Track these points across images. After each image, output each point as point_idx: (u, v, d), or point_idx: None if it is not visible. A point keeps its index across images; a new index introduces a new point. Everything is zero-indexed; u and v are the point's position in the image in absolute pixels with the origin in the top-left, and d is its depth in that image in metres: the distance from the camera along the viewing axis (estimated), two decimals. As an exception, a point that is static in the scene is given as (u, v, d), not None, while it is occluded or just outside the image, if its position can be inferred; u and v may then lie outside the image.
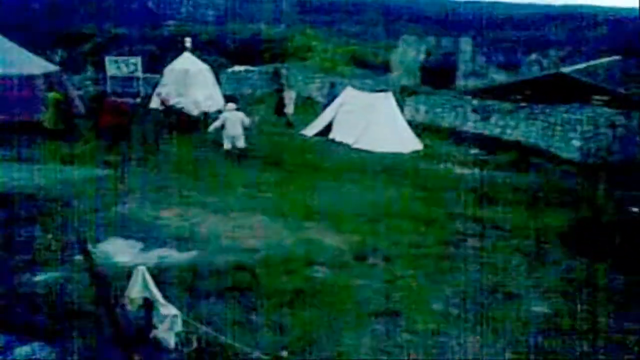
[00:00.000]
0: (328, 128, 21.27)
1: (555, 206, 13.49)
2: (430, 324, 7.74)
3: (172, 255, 9.40)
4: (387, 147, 19.31)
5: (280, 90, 26.80)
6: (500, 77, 30.34)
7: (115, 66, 27.14)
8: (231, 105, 17.77)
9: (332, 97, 22.83)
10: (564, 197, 14.31)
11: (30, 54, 21.12)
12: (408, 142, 20.32)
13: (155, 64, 29.25)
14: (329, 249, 10.13)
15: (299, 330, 7.31)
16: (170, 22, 40.15)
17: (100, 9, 45.04)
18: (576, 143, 19.23)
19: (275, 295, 8.13)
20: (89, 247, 7.86)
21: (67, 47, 35.63)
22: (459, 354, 7.11)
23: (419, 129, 21.94)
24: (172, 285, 8.02)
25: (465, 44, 32.88)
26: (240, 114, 17.27)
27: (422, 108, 24.57)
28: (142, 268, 6.24)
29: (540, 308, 8.41)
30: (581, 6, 59.04)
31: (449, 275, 9.31)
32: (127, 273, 7.21)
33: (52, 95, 18.62)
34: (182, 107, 22.16)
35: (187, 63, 25.84)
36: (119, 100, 21.36)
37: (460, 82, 31.44)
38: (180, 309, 6.66)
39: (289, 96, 24.65)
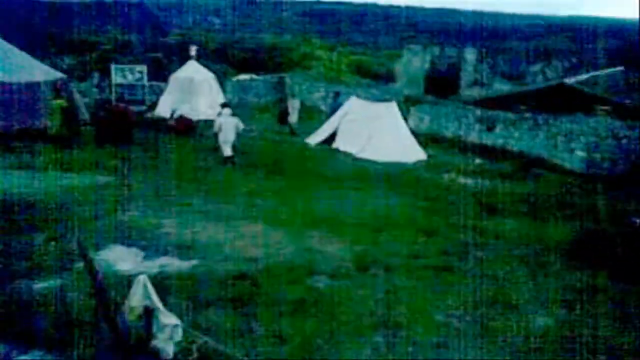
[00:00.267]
0: (332, 137, 21.31)
1: (558, 217, 13.45)
2: (432, 335, 7.71)
3: (174, 264, 9.40)
4: (391, 156, 19.33)
5: (284, 99, 26.88)
6: (504, 87, 30.36)
7: (121, 74, 27.23)
8: (227, 110, 17.89)
9: (336, 106, 22.89)
10: (567, 208, 14.29)
11: (37, 61, 21.22)
12: (412, 152, 20.35)
13: (161, 72, 29.36)
14: (330, 258, 10.12)
15: (300, 341, 7.29)
16: (176, 30, 40.33)
17: (107, 16, 45.27)
18: (580, 154, 19.23)
19: (276, 305, 8.12)
20: (90, 254, 7.86)
21: (73, 54, 35.78)
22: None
23: (423, 138, 21.96)
24: (173, 294, 8.02)
25: (470, 54, 32.94)
26: (235, 120, 17.41)
27: (426, 118, 24.61)
28: (143, 277, 6.25)
29: (542, 320, 8.38)
30: (585, 17, 59.17)
31: (450, 287, 9.28)
32: (128, 281, 7.22)
33: (57, 102, 18.69)
34: (181, 114, 22.40)
35: (192, 71, 25.96)
36: (123, 105, 21.62)
37: (464, 92, 31.48)
38: (180, 317, 6.65)
39: (293, 105, 24.73)
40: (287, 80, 31.38)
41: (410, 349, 7.39)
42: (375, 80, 34.03)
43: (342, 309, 8.25)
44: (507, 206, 14.37)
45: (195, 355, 6.55)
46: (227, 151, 17.08)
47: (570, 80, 23.67)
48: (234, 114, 17.86)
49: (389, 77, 34.97)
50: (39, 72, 20.44)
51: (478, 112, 23.01)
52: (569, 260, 10.64)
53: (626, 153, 18.96)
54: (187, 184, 14.49)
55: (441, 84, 31.15)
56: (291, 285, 8.82)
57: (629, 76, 24.16)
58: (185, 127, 21.45)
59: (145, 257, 9.59)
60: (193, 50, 27.09)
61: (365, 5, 56.48)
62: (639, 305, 9.02)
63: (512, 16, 47.44)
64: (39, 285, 8.29)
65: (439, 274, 9.73)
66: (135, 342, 6.46)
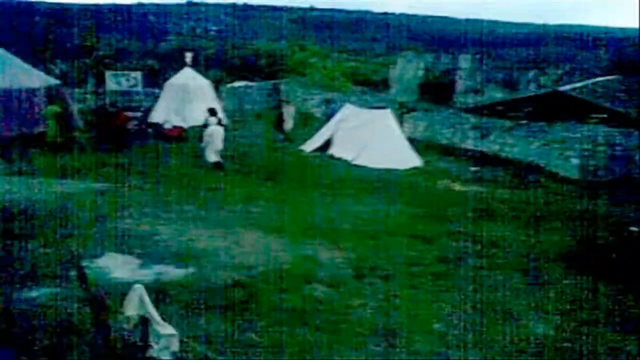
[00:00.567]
0: (327, 144, 21.29)
1: (553, 224, 13.47)
2: (429, 344, 7.69)
3: (170, 272, 9.35)
4: (386, 163, 19.31)
5: (279, 106, 26.85)
6: (499, 94, 30.43)
7: (116, 80, 27.21)
8: (213, 119, 18.55)
9: (331, 113, 22.89)
10: (563, 216, 14.30)
11: (31, 67, 21.16)
12: (407, 159, 20.34)
13: (156, 78, 29.32)
14: (327, 266, 10.09)
15: (297, 349, 7.25)
16: (172, 37, 40.32)
17: (103, 23, 45.25)
18: (575, 161, 19.26)
19: (273, 313, 8.08)
20: (84, 264, 7.81)
21: (68, 60, 35.72)
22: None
23: (418, 145, 21.96)
24: (169, 302, 7.97)
25: (464, 61, 33.03)
26: (221, 129, 18.07)
27: (421, 125, 24.61)
28: (139, 286, 6.20)
29: (540, 327, 8.37)
30: (580, 25, 59.50)
31: (447, 294, 9.26)
32: (124, 290, 7.16)
33: (51, 108, 18.67)
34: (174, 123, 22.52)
35: (188, 78, 25.90)
36: (116, 109, 21.75)
37: (459, 99, 31.54)
38: (176, 326, 6.60)
39: (288, 112, 24.71)
40: (282, 87, 31.37)
41: (407, 357, 7.36)
42: (370, 87, 34.07)
43: (339, 317, 8.22)
44: (503, 213, 14.38)
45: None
46: (214, 157, 17.30)
47: (565, 88, 23.74)
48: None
49: (384, 84, 35.03)
50: (35, 78, 20.38)
51: (473, 119, 23.04)
52: (567, 268, 10.64)
53: (621, 160, 19.01)
54: (182, 190, 14.45)
55: (436, 91, 31.22)
56: (288, 293, 8.78)
57: (624, 84, 24.24)
58: (178, 134, 21.57)
59: (141, 265, 9.54)
60: (188, 57, 27.05)
61: (360, 12, 56.65)
62: (638, 313, 9.02)
63: (507, 24, 47.65)
64: (34, 293, 8.22)
65: (436, 282, 9.72)
66: (131, 352, 6.41)
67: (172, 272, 9.34)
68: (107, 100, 26.45)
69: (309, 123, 26.02)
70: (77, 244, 10.08)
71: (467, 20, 54.47)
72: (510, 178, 18.71)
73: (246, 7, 55.20)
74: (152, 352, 6.34)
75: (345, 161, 19.90)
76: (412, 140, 21.96)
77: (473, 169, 20.16)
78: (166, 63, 33.36)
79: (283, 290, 8.83)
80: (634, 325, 8.57)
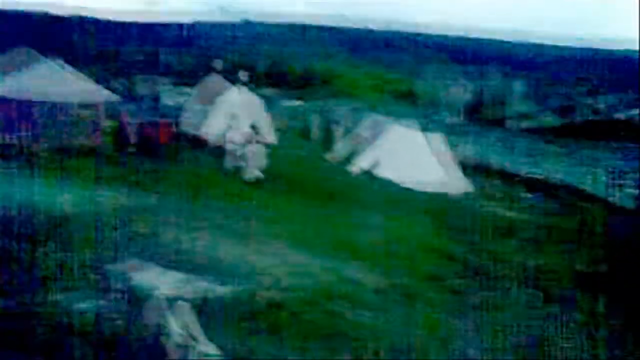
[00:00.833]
0: (374, 164, 21.29)
1: (603, 255, 13.10)
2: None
3: (210, 288, 9.44)
4: (432, 186, 19.18)
5: (327, 125, 27.03)
6: (550, 119, 29.85)
7: (169, 96, 27.92)
8: (254, 135, 18.96)
9: (378, 133, 22.88)
10: (614, 246, 13.89)
11: (92, 83, 21.99)
12: (454, 182, 20.15)
13: (209, 95, 29.87)
14: (369, 289, 10.09)
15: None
16: (226, 55, 41.17)
17: (160, 41, 46.58)
18: (629, 190, 18.73)
19: (313, 335, 8.12)
20: (128, 276, 8.03)
21: (124, 76, 36.90)
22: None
23: (467, 169, 21.73)
24: (209, 319, 8.08)
25: (516, 85, 32.57)
26: (262, 146, 18.24)
27: (471, 148, 24.37)
28: (182, 303, 6.34)
29: (572, 353, 8.18)
30: (630, 50, 57.73)
31: (488, 323, 9.13)
32: (165, 305, 7.29)
33: (108, 122, 19.37)
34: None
35: (240, 95, 26.36)
36: (162, 121, 22.39)
37: (509, 123, 31.06)
38: (215, 344, 6.70)
39: (337, 131, 24.86)
40: (332, 106, 31.56)
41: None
42: (420, 108, 33.92)
43: (377, 340, 8.20)
44: (552, 241, 14.08)
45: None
46: (254, 174, 17.55)
47: (620, 115, 23.16)
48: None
49: (434, 106, 34.82)
50: (93, 93, 21.16)
51: (524, 143, 22.70)
52: (609, 301, 10.33)
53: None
54: (227, 207, 14.63)
55: (485, 114, 30.86)
56: (328, 315, 8.81)
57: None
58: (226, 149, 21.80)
59: (184, 281, 9.68)
60: (242, 75, 27.55)
61: (415, 34, 56.62)
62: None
63: (560, 47, 46.80)
64: (77, 306, 8.40)
65: (474, 310, 9.59)
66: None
67: (214, 289, 9.47)
68: (161, 115, 27.17)
69: (356, 142, 26.06)
70: (124, 256, 10.31)
71: (519, 43, 53.66)
72: (560, 205, 18.29)
73: (302, 27, 55.86)
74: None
75: (392, 182, 19.84)
76: (460, 163, 21.75)
77: (522, 194, 19.82)
78: (220, 80, 33.96)
79: (323, 312, 8.86)
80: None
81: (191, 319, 6.28)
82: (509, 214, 17.20)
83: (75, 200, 13.84)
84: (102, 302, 8.53)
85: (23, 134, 18.91)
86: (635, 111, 23.83)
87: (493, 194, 19.77)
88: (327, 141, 24.50)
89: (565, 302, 10.09)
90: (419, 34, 56.78)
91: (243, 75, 27.79)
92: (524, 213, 17.29)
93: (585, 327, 9.00)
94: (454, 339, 8.54)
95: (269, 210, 14.71)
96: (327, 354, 7.66)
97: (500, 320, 9.33)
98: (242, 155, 18.37)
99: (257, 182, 17.54)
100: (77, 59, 26.29)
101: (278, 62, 41.21)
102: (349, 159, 22.55)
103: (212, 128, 24.98)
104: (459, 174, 20.62)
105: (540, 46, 50.19)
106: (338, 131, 24.77)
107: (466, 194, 19.52)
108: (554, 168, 21.09)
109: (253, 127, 19.87)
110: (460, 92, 33.97)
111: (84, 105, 19.88)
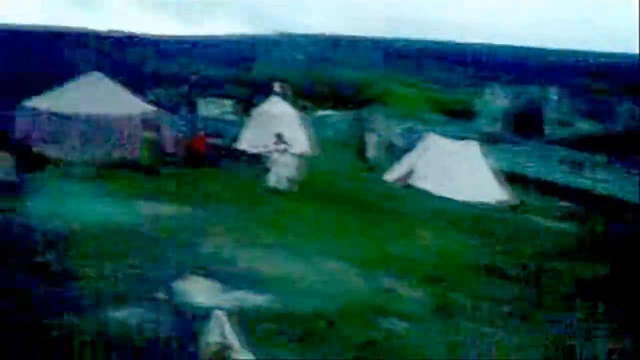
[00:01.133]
0: (409, 173, 21.18)
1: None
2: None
3: (249, 298, 9.51)
4: (469, 195, 18.98)
5: (362, 135, 27.04)
6: (589, 127, 29.28)
7: (208, 107, 28.31)
8: (280, 145, 19.19)
9: (414, 142, 22.79)
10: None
11: (131, 95, 22.43)
12: (492, 192, 19.90)
13: (246, 106, 30.24)
14: (404, 299, 10.00)
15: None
16: (262, 66, 41.65)
17: (197, 53, 47.38)
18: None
19: (350, 346, 8.08)
20: (171, 286, 8.11)
21: (163, 87, 37.58)
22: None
23: (504, 178, 21.43)
24: (248, 329, 8.12)
25: (553, 93, 32.06)
26: (290, 156, 18.47)
27: (508, 157, 24.06)
28: (220, 312, 6.38)
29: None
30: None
31: (528, 335, 8.95)
32: (205, 314, 7.37)
33: (147, 134, 19.69)
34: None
35: (275, 106, 26.60)
36: (201, 135, 22.75)
37: (547, 132, 30.57)
38: (254, 354, 6.72)
39: (371, 141, 24.86)
40: (366, 115, 31.57)
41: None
42: (455, 117, 33.68)
43: (414, 352, 8.12)
44: (595, 252, 13.75)
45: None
46: (281, 183, 17.68)
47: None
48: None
49: (468, 114, 34.51)
50: (133, 105, 21.57)
51: (563, 152, 22.31)
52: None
53: None
54: (261, 216, 14.73)
55: (523, 123, 30.43)
56: (364, 326, 8.76)
57: None
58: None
59: (222, 290, 9.76)
60: (277, 86, 27.82)
61: (444, 42, 56.32)
62: None
63: (597, 54, 45.85)
64: (119, 313, 8.52)
65: (517, 322, 9.41)
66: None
67: (252, 299, 9.52)
68: (199, 127, 27.56)
69: (392, 152, 26.01)
70: (161, 266, 10.45)
71: (553, 50, 52.87)
72: (603, 216, 17.86)
73: (334, 38, 56.17)
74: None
75: (428, 192, 19.70)
76: (497, 173, 21.48)
77: (562, 204, 19.44)
78: (256, 91, 34.39)
79: (360, 323, 8.82)
80: None
81: (228, 328, 6.30)
82: (550, 224, 16.88)
83: (114, 212, 14.09)
84: (141, 310, 8.64)
85: (64, 147, 19.37)
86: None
87: (532, 203, 19.45)
88: (363, 151, 24.50)
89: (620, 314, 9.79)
90: (451, 43, 56.51)
91: (278, 86, 28.10)
92: (563, 222, 16.94)
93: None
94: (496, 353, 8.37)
95: (304, 220, 14.72)
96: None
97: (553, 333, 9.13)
98: (270, 164, 18.47)
99: (284, 191, 17.53)
100: (118, 73, 26.87)
101: (313, 73, 41.47)
102: (385, 168, 22.51)
103: (248, 139, 25.27)
104: (496, 183, 20.35)
105: (577, 53, 49.42)
106: (374, 140, 24.73)
107: (504, 203, 19.24)
108: (596, 177, 20.64)
109: (278, 136, 19.99)
110: (497, 100, 33.57)
111: (123, 117, 20.25)
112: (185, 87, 35.86)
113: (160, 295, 8.96)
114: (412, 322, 9.10)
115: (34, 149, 19.34)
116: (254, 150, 23.33)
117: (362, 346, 8.10)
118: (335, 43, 54.10)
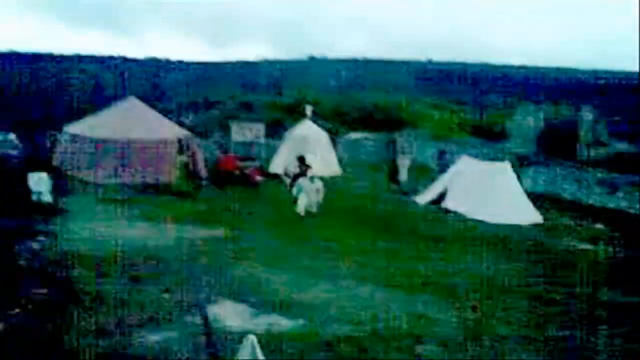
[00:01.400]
0: (442, 196, 21.04)
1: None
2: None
3: (281, 323, 9.49)
4: (503, 218, 18.74)
5: (394, 157, 27.01)
6: (624, 147, 28.69)
7: (240, 132, 28.61)
8: (303, 168, 19.62)
9: (446, 164, 22.66)
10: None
11: (165, 120, 22.88)
12: (526, 214, 19.62)
13: (278, 130, 30.52)
14: (439, 325, 9.86)
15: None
16: (293, 90, 42.06)
17: (229, 77, 48.12)
18: None
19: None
20: (204, 310, 8.14)
21: (196, 112, 38.22)
22: None
23: (538, 200, 21.12)
24: (279, 354, 8.10)
25: (586, 112, 31.58)
26: (317, 181, 18.46)
27: (542, 178, 23.74)
28: (251, 337, 6.37)
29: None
30: None
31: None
32: (236, 338, 7.38)
33: (180, 158, 20.00)
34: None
35: (307, 129, 26.79)
36: (233, 155, 23.22)
37: (581, 152, 30.06)
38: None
39: (403, 163, 24.81)
40: (398, 138, 31.54)
41: None
42: (487, 138, 33.40)
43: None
44: (632, 277, 13.39)
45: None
46: (307, 208, 17.76)
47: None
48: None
49: (502, 136, 34.19)
50: (166, 129, 21.98)
51: (599, 173, 21.89)
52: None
53: None
54: (292, 239, 14.76)
55: (557, 143, 29.99)
56: (398, 351, 8.66)
57: None
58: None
59: (254, 314, 9.77)
60: (308, 110, 28.01)
61: (477, 65, 56.09)
62: None
63: (629, 73, 45.03)
64: (152, 338, 8.58)
65: (558, 350, 9.19)
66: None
67: (283, 323, 9.50)
68: (232, 151, 27.89)
69: (424, 174, 25.90)
70: (194, 290, 10.51)
71: (585, 70, 52.18)
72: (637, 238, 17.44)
73: (366, 62, 56.46)
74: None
75: (461, 214, 19.52)
76: (531, 195, 21.19)
77: (599, 226, 19.05)
78: (287, 115, 34.71)
79: (393, 348, 8.72)
80: None
81: (259, 353, 6.30)
82: (582, 246, 16.54)
83: (148, 235, 14.29)
84: (174, 334, 8.69)
85: (100, 171, 19.79)
86: None
87: (566, 225, 19.10)
88: (395, 173, 24.45)
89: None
90: (483, 64, 56.29)
91: (309, 110, 28.27)
92: (602, 246, 16.56)
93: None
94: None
95: (337, 244, 14.70)
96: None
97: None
98: (293, 188, 18.59)
99: (315, 214, 17.60)
100: (148, 97, 27.42)
101: (344, 96, 41.69)
102: (417, 190, 22.41)
103: (280, 162, 25.46)
104: (529, 204, 20.07)
105: (608, 72, 48.69)
106: (406, 163, 24.68)
107: (539, 225, 18.93)
108: (632, 198, 20.19)
109: (300, 159, 20.09)
110: (529, 121, 33.21)
111: (158, 142, 20.62)
112: (219, 112, 36.38)
113: (193, 319, 8.99)
114: (447, 348, 8.96)
115: (72, 173, 19.83)
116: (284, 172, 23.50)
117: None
118: (366, 66, 54.33)
